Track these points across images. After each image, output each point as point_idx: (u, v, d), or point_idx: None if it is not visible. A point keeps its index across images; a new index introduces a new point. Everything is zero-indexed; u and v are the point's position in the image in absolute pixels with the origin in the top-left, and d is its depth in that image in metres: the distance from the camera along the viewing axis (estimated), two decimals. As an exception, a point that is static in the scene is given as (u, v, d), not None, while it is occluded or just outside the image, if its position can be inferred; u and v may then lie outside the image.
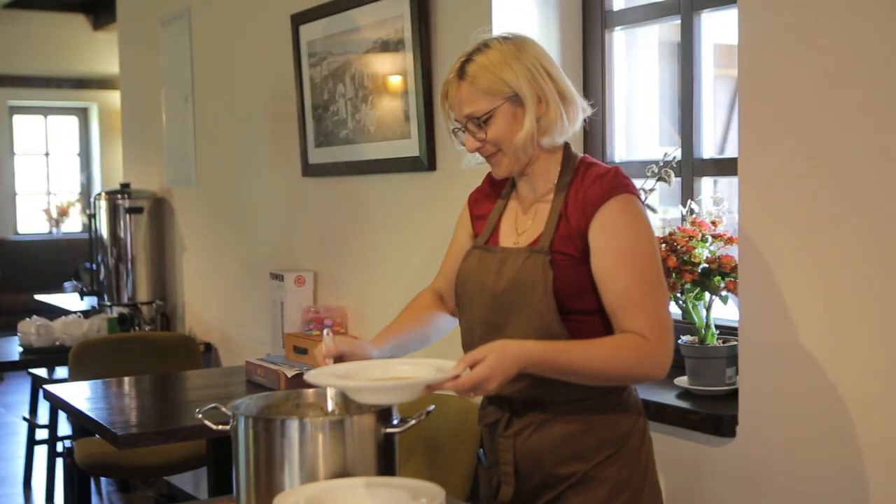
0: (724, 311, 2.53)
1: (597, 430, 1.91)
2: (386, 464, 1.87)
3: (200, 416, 1.99)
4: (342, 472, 1.81)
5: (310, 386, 2.00)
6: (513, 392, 1.93)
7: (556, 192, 1.95)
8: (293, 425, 1.82)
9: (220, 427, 1.97)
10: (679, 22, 2.76)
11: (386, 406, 1.85)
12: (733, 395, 2.37)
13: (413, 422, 1.90)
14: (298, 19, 3.83)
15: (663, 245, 2.45)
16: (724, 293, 2.42)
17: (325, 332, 2.02)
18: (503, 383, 1.75)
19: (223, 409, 1.96)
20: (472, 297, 2.00)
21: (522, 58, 1.90)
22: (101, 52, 11.05)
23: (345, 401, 1.98)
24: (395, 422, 1.89)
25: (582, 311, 1.90)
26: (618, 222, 1.87)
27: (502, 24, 2.93)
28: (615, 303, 1.86)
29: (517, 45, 1.92)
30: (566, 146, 1.99)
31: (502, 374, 1.74)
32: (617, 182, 1.90)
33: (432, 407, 1.97)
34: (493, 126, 1.91)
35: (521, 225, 2.00)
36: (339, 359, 1.96)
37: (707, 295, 2.45)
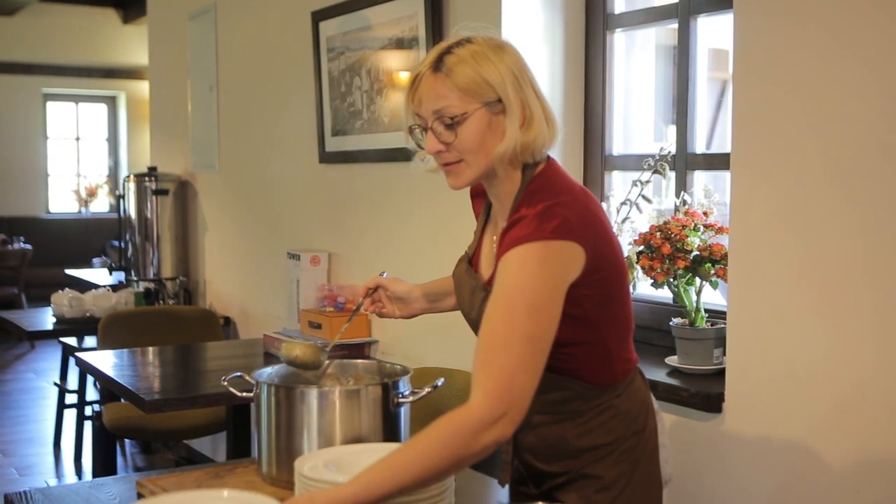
0: (714, 295, 2.53)
1: (589, 434, 1.75)
2: (396, 430, 1.88)
3: (226, 383, 2.00)
4: (356, 437, 1.82)
5: (330, 358, 2.01)
6: None
7: (508, 219, 1.67)
8: (312, 393, 1.83)
9: (243, 394, 1.97)
10: (676, 26, 2.75)
11: None
12: (720, 373, 2.37)
13: (422, 393, 1.90)
14: (318, 16, 3.82)
15: (658, 233, 2.45)
16: (714, 279, 2.42)
17: (384, 273, 2.10)
18: None
19: (247, 378, 1.97)
20: (463, 313, 1.86)
21: (506, 59, 1.64)
22: (130, 45, 11.05)
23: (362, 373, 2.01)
24: (406, 393, 1.89)
25: (559, 344, 1.60)
26: (506, 270, 1.57)
27: (511, 24, 2.92)
28: (476, 351, 1.55)
29: (500, 46, 1.67)
30: (524, 165, 1.70)
31: None
32: (530, 229, 1.57)
33: (442, 380, 1.98)
34: (463, 130, 1.62)
35: (496, 243, 1.76)
36: (375, 289, 2.01)
37: (698, 280, 2.45)
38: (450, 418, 1.51)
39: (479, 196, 1.89)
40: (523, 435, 1.83)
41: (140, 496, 1.85)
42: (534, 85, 1.68)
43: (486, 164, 1.65)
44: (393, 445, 1.77)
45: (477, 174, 1.67)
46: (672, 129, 2.80)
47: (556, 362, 1.63)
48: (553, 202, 1.60)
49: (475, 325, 1.74)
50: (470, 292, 1.78)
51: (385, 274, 2.05)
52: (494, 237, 1.78)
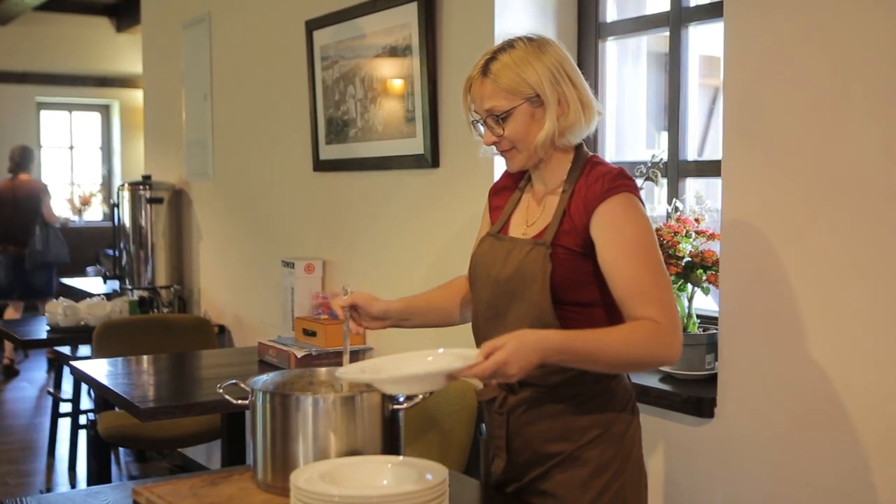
0: (706, 301, 2.55)
1: (584, 413, 1.89)
2: (392, 437, 1.89)
3: (222, 391, 2.00)
4: (352, 444, 1.83)
5: (319, 365, 2.02)
6: None
7: (563, 188, 1.92)
8: (307, 401, 1.84)
9: (239, 402, 1.98)
10: (668, 34, 2.77)
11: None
12: (712, 379, 2.39)
13: (417, 399, 1.92)
14: (312, 25, 3.84)
15: (650, 240, 2.46)
16: (705, 285, 2.44)
17: (345, 286, 2.06)
18: (524, 369, 1.69)
19: (242, 385, 1.98)
20: (480, 282, 1.99)
21: (545, 59, 1.87)
22: (123, 53, 11.04)
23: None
24: (401, 399, 1.90)
25: (578, 303, 1.87)
26: (618, 217, 1.84)
27: (503, 33, 2.94)
28: (623, 291, 1.81)
29: (541, 46, 1.90)
30: (578, 145, 1.96)
31: (521, 361, 1.68)
32: (617, 182, 1.86)
33: (435, 387, 1.99)
34: (510, 124, 1.89)
35: (531, 216, 1.98)
36: (353, 308, 2.02)
37: (690, 286, 2.46)
38: (646, 324, 1.78)
39: (505, 190, 2.09)
40: (520, 413, 1.93)
41: (136, 504, 1.86)
42: (571, 77, 1.90)
43: (533, 148, 1.91)
44: (390, 458, 1.80)
45: (527, 158, 1.94)
46: (664, 136, 2.82)
47: (576, 322, 1.85)
48: (623, 171, 1.90)
49: (503, 285, 1.93)
50: (505, 255, 1.95)
51: (348, 288, 2.05)
52: (528, 209, 2.00)
